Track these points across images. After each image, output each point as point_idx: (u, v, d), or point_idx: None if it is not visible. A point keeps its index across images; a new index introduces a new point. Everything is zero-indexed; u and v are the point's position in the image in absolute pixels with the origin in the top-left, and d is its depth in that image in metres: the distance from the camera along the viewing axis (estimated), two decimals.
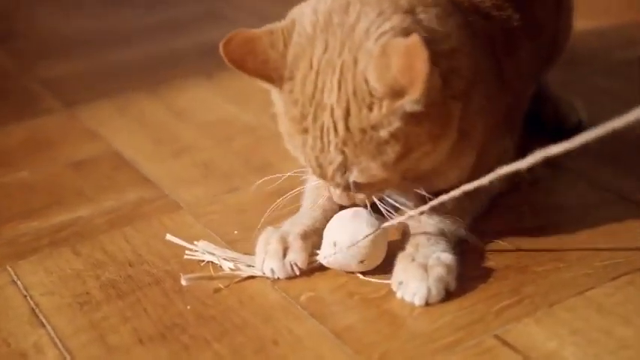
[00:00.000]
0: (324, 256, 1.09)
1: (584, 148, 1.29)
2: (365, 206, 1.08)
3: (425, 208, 1.05)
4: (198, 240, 1.18)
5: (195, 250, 1.17)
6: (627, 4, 2.28)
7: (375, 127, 0.97)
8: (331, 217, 1.12)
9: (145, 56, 2.12)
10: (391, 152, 0.98)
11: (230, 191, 1.39)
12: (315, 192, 1.20)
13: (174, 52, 2.14)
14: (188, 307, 1.06)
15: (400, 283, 1.04)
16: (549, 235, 1.16)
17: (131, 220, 1.30)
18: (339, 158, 0.99)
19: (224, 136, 1.61)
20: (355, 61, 0.97)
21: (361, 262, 1.07)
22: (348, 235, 1.06)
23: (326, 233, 1.10)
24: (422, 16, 1.00)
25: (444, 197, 1.02)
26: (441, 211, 1.10)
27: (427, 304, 1.02)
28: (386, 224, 1.08)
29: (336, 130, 0.98)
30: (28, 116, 1.79)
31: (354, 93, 0.96)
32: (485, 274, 1.08)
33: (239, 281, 1.11)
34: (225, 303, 1.07)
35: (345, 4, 1.00)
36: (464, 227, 1.15)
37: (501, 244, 1.15)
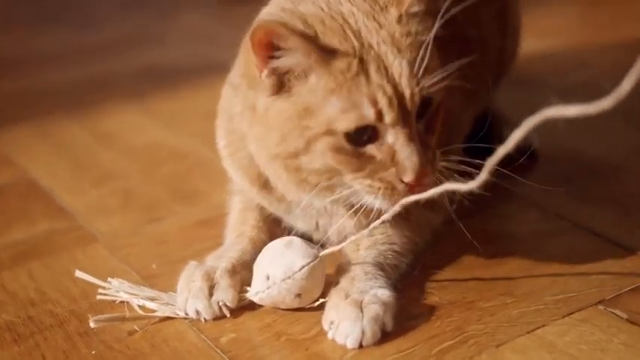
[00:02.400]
0: (255, 292, 1.00)
1: (536, 172, 1.21)
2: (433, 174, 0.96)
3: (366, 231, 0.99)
4: (112, 276, 1.07)
5: (108, 289, 1.05)
6: (579, 26, 2.24)
7: (410, 33, 0.93)
8: (260, 248, 1.04)
9: (73, 79, 2.01)
10: (440, 58, 0.96)
11: (152, 222, 1.29)
12: (241, 219, 1.11)
13: (105, 74, 2.03)
14: (93, 353, 0.96)
15: (332, 322, 0.95)
16: (498, 267, 1.09)
17: (39, 255, 1.19)
18: (404, 62, 0.91)
19: (150, 163, 1.51)
20: None
21: (297, 295, 0.98)
22: (281, 267, 0.98)
23: (257, 267, 1.01)
24: None
25: (384, 217, 0.95)
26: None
27: (361, 346, 0.92)
28: (324, 252, 0.99)
29: (383, 40, 0.92)
30: None
31: (371, 8, 0.95)
32: (427, 312, 0.99)
33: (155, 323, 1.00)
34: (135, 347, 0.96)
35: None
36: (405, 263, 1.07)
37: (445, 277, 1.07)
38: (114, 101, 1.83)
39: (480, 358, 0.90)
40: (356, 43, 0.91)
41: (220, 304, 1.00)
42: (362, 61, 0.91)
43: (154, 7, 2.63)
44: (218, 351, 0.94)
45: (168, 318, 1.00)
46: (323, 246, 1.02)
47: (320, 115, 0.91)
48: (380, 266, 1.02)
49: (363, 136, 0.92)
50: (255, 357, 0.93)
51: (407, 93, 0.91)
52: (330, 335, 0.94)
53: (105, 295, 1.04)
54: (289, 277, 0.97)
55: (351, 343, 0.92)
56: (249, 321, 0.99)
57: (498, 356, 0.90)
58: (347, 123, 0.90)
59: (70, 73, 2.05)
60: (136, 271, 1.12)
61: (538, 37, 1.94)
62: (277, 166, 0.97)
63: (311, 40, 0.90)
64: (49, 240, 1.23)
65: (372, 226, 0.98)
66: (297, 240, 1.01)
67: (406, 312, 0.98)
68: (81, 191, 1.41)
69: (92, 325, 0.98)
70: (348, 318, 0.93)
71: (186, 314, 1.00)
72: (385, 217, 0.96)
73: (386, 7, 0.94)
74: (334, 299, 0.96)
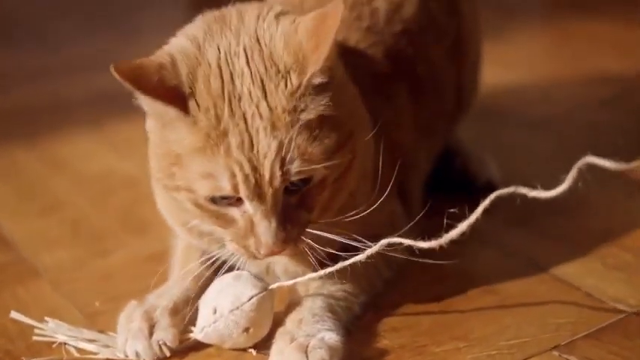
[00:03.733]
0: (201, 328, 0.96)
1: (493, 207, 1.18)
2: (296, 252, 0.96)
3: (325, 272, 0.96)
4: (53, 314, 1.04)
5: (46, 329, 1.01)
6: (544, 59, 2.23)
7: (296, 109, 0.89)
8: (205, 285, 1.01)
9: (25, 103, 1.96)
10: (326, 139, 0.90)
11: (100, 255, 1.25)
12: (184, 257, 1.08)
13: (59, 98, 1.99)
14: None
15: None
16: (452, 308, 1.05)
17: None
18: (273, 144, 0.88)
19: (101, 191, 1.48)
20: (257, 40, 0.92)
21: (245, 330, 0.95)
22: (229, 298, 0.95)
23: (203, 303, 0.98)
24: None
25: (349, 261, 0.96)
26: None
27: None
28: (274, 285, 0.97)
29: (260, 113, 0.88)
30: None
31: (265, 70, 0.90)
32: (377, 356, 0.96)
33: None
34: None
35: (218, 15, 0.97)
36: (358, 304, 1.04)
37: (398, 319, 1.03)
38: (68, 127, 1.79)
39: None
40: (226, 112, 0.88)
41: (160, 343, 0.96)
42: (226, 133, 0.88)
43: (119, 29, 2.59)
44: None
45: None
46: None
47: (184, 171, 0.90)
48: (329, 308, 0.98)
49: (224, 199, 0.91)
50: None
51: (266, 175, 0.88)
52: None
53: (42, 335, 1.00)
54: (237, 308, 0.94)
55: None
56: None
57: None
58: (205, 190, 0.90)
59: (20, 97, 2.01)
60: (78, 309, 1.09)
61: (503, 69, 1.93)
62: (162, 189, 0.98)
63: (173, 95, 0.88)
64: None
65: (339, 265, 0.96)
66: (245, 273, 0.98)
67: (355, 356, 0.94)
68: (26, 221, 1.37)
69: None
70: None
71: (126, 356, 0.96)
72: (359, 257, 0.95)
73: (288, 72, 0.90)
74: (279, 343, 0.93)
